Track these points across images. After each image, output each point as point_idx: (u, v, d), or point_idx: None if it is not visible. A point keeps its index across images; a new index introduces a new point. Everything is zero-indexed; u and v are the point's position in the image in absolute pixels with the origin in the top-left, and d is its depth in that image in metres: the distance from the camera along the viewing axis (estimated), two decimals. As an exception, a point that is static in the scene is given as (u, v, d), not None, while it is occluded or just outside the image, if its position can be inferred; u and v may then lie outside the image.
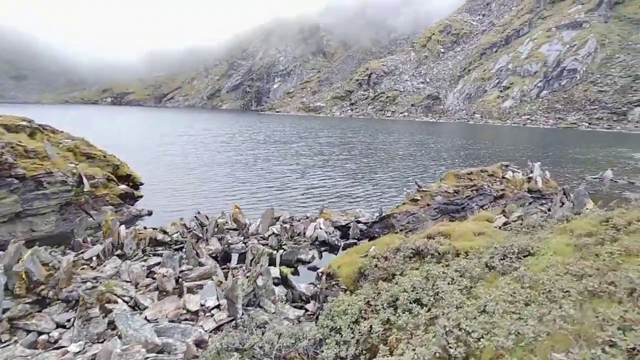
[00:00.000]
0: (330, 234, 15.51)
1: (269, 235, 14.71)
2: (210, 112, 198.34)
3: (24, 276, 8.71)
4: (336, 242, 14.94)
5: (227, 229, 14.88)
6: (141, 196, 19.66)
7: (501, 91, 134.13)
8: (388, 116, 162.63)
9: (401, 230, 15.18)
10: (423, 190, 16.71)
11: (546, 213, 18.17)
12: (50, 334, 8.19)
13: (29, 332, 8.16)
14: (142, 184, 24.24)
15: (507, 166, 19.94)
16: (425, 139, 66.95)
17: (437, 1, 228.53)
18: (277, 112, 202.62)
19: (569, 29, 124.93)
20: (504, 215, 11.84)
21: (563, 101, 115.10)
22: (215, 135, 60.54)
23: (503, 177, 19.05)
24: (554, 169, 36.22)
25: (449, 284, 6.36)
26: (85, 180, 15.68)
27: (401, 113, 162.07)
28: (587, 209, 19.86)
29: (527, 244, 7.06)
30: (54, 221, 14.41)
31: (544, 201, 20.38)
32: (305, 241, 14.96)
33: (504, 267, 6.44)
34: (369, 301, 7.08)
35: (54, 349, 7.87)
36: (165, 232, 13.69)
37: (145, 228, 13.97)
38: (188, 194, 22.37)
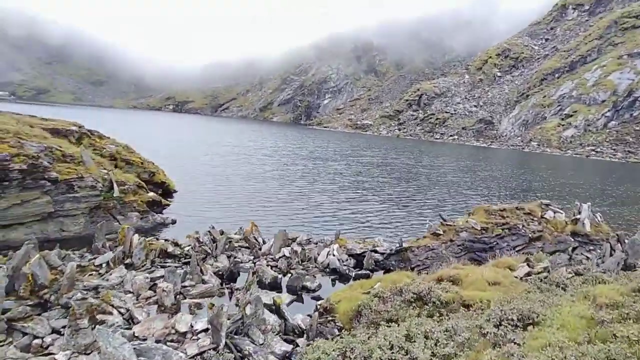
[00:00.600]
0: (343, 262, 14.94)
1: (280, 257, 14.46)
2: (260, 123, 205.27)
3: (30, 278, 9.16)
4: (347, 271, 14.33)
5: (239, 246, 14.85)
6: (168, 204, 20.34)
7: (562, 119, 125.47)
8: (437, 138, 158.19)
9: (418, 266, 14.24)
10: (447, 224, 15.65)
11: (588, 260, 16.22)
12: (44, 339, 8.44)
13: (25, 334, 8.47)
14: (175, 191, 25.27)
15: (547, 205, 18.19)
16: (473, 165, 63.47)
17: (498, 24, 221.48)
18: (325, 127, 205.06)
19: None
20: (527, 264, 10.62)
21: (635, 133, 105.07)
22: (259, 148, 61.86)
23: (542, 217, 17.36)
24: (614, 210, 32.70)
25: (429, 348, 5.62)
26: (115, 186, 16.55)
27: (451, 136, 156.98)
28: (643, 262, 17.51)
29: (531, 309, 6.11)
30: (83, 223, 15.28)
31: (591, 247, 18.27)
32: (315, 267, 14.52)
33: (497, 336, 5.59)
34: (345, 352, 6.51)
35: (43, 355, 8.07)
36: (177, 245, 13.94)
37: (157, 239, 14.32)
38: (217, 206, 22.86)
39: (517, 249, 15.94)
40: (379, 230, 20.81)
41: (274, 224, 19.79)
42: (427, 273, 12.48)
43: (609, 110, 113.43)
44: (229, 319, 8.71)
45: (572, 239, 17.08)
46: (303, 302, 12.22)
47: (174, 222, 18.71)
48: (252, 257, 14.43)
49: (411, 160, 62.45)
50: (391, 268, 14.97)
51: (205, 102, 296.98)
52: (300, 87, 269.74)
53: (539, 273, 10.24)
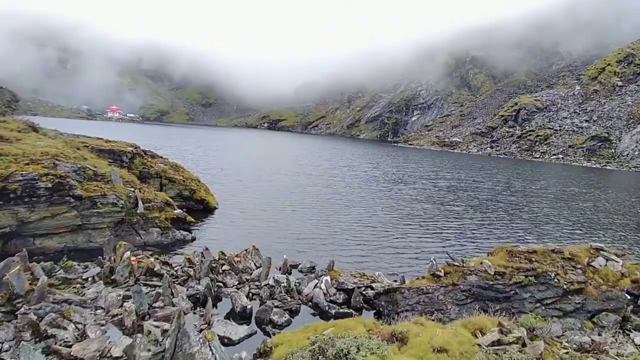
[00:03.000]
0: (330, 296, 13.98)
1: (264, 285, 14.16)
2: (346, 140, 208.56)
3: (10, 287, 10.52)
4: (328, 308, 13.33)
5: (228, 270, 14.96)
6: (193, 221, 21.61)
7: None
8: (536, 157, 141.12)
9: (406, 310, 12.55)
10: (453, 265, 13.56)
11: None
12: (3, 345, 9.51)
13: (-11, 338, 9.64)
14: (215, 208, 26.84)
15: (598, 250, 14.52)
16: (581, 192, 53.25)
17: (620, 26, 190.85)
18: (410, 144, 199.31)
19: None
20: (500, 330, 8.51)
21: None
22: (330, 168, 60.57)
23: (588, 265, 13.90)
24: None
25: None
26: (140, 203, 18.25)
27: (554, 155, 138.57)
28: None
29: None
30: (108, 235, 17.14)
31: (664, 310, 14.03)
32: (299, 300, 13.85)
33: None
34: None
35: (-6, 360, 9.08)
36: (166, 264, 14.65)
37: (147, 257, 15.20)
38: (250, 226, 23.25)
39: (545, 302, 13.02)
40: (414, 267, 18.40)
41: (304, 251, 19.47)
42: (403, 320, 10.87)
43: None
44: (149, 351, 8.72)
45: (629, 296, 13.30)
46: (262, 338, 11.69)
47: (193, 239, 19.81)
48: (236, 282, 14.41)
49: (499, 185, 54.93)
50: (380, 309, 13.51)
51: (296, 120, 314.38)
52: (389, 104, 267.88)
53: (511, 343, 8.13)
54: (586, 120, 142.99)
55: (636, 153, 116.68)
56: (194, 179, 26.47)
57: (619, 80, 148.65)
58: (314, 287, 14.18)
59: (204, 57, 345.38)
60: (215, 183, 36.26)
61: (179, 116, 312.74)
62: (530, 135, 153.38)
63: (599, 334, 12.53)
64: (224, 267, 14.94)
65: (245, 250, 17.24)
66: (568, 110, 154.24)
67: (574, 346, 8.76)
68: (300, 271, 16.68)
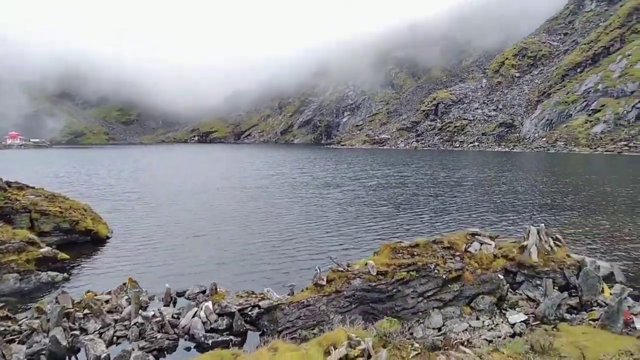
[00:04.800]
0: (211, 323, 12.71)
1: (134, 324, 12.47)
2: (278, 147, 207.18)
3: None
4: (204, 338, 12.07)
5: (88, 314, 12.99)
6: (67, 258, 18.96)
7: (590, 115, 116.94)
8: (456, 147, 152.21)
9: (287, 328, 11.74)
10: (338, 270, 13.08)
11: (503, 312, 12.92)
12: None
13: None
14: (107, 237, 24.09)
15: (473, 235, 15.07)
16: (495, 177, 57.09)
17: (515, 25, 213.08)
18: (343, 145, 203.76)
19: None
20: (349, 344, 7.97)
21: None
22: (258, 178, 57.67)
23: (466, 251, 14.31)
24: (611, 218, 28.00)
25: None
26: (-12, 247, 15.39)
27: (470, 143, 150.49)
28: (601, 299, 13.87)
29: None
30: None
31: (538, 281, 14.90)
32: (175, 334, 12.37)
33: None
34: None
35: None
36: (6, 318, 12.31)
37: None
38: (142, 256, 20.86)
39: (426, 295, 13.02)
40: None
41: (199, 274, 17.78)
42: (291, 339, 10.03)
43: (639, 102, 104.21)
44: None
45: (501, 277, 13.85)
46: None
47: (66, 279, 17.26)
48: (99, 326, 12.53)
49: (424, 177, 57.21)
50: (264, 329, 12.56)
51: (228, 131, 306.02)
52: (319, 107, 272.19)
53: (356, 357, 7.60)
54: (494, 110, 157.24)
55: (536, 135, 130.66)
56: (78, 208, 23.47)
57: (516, 72, 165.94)
58: (192, 317, 12.82)
59: (122, 72, 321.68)
60: (117, 210, 33.03)
61: (97, 137, 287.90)
62: (449, 126, 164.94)
63: (477, 318, 12.82)
64: (86, 311, 12.94)
65: (123, 284, 15.30)
66: (478, 102, 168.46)
67: (428, 344, 8.54)
68: (188, 298, 15.18)
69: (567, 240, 23.48)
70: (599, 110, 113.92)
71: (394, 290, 12.78)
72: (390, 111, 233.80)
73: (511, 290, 14.81)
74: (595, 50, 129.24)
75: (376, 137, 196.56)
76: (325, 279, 12.67)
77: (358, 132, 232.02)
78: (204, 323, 12.62)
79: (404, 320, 12.47)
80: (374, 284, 12.70)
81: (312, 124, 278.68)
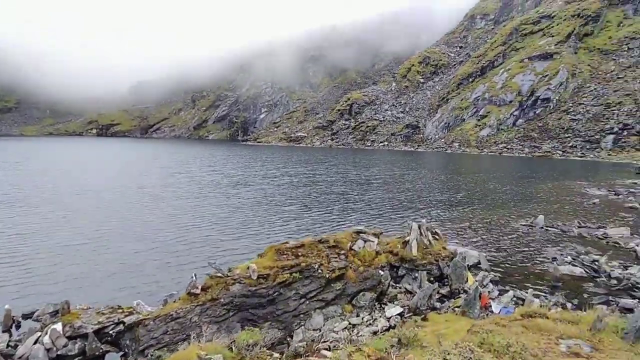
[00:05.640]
0: (58, 349, 10.78)
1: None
2: (193, 142, 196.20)
3: None
4: (46, 368, 10.18)
5: None
6: None
7: (478, 120, 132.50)
8: (368, 145, 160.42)
9: (152, 345, 10.49)
10: (217, 277, 12.15)
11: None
12: None
13: None
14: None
15: (358, 233, 15.46)
16: (402, 174, 60.90)
17: (420, 34, 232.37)
18: (259, 142, 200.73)
19: (541, 60, 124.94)
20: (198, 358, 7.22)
21: (538, 129, 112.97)
22: (163, 177, 53.56)
23: (350, 249, 14.55)
24: (489, 212, 31.89)
25: None
26: None
27: (381, 142, 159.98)
28: (467, 287, 15.29)
29: None
30: None
31: (417, 274, 15.82)
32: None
33: None
34: None
35: None
36: None
37: None
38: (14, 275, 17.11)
39: (309, 296, 12.83)
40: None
41: (56, 293, 15.02)
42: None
43: (516, 110, 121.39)
44: None
45: (382, 272, 14.39)
46: None
47: None
48: None
49: (336, 176, 58.30)
50: (126, 350, 11.09)
51: (133, 124, 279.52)
52: (235, 102, 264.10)
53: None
54: (401, 112, 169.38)
55: (436, 137, 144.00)
56: None
57: (421, 78, 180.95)
58: (34, 343, 10.75)
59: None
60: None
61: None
62: (362, 126, 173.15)
63: (357, 315, 13.04)
64: None
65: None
66: (388, 104, 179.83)
67: (290, 353, 8.22)
68: (37, 320, 12.80)
69: (450, 233, 25.83)
70: (486, 116, 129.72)
71: (276, 293, 12.31)
72: (308, 110, 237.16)
73: (394, 284, 15.49)
74: (483, 64, 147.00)
75: (293, 135, 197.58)
76: (199, 287, 11.64)
77: (275, 129, 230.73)
78: (48, 350, 10.64)
79: (285, 324, 12.09)
80: (254, 288, 12.07)
81: (228, 119, 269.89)
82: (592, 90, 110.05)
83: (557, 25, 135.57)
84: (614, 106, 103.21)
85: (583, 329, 6.69)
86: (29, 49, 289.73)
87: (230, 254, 19.77)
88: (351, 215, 30.62)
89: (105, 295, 14.68)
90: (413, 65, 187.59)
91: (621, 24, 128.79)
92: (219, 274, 12.26)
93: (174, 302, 11.83)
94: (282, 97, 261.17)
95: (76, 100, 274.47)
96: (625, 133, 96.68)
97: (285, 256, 13.26)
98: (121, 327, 11.81)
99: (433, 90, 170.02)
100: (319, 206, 34.38)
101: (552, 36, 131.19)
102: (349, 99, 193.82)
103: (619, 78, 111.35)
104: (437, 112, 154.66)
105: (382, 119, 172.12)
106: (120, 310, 12.70)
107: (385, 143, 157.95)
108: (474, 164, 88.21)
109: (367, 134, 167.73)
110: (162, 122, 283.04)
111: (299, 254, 13.44)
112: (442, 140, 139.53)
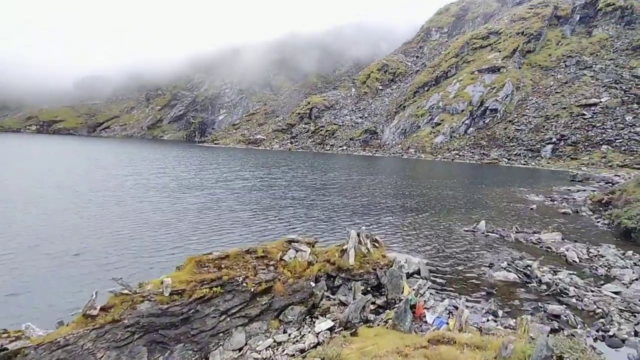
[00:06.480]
0: None
1: None
2: (146, 142, 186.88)
3: None
4: None
5: None
6: None
7: (433, 127, 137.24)
8: (327, 149, 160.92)
9: (31, 379, 8.91)
10: (122, 294, 10.72)
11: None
12: None
13: None
14: None
15: (290, 242, 14.62)
16: (360, 180, 60.67)
17: (380, 43, 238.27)
18: (217, 144, 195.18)
19: (489, 73, 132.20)
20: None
21: (487, 138, 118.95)
22: (100, 179, 49.95)
23: (281, 260, 13.65)
24: (437, 217, 32.45)
25: None
26: None
27: (340, 147, 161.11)
28: (404, 296, 14.91)
29: None
30: None
31: (354, 284, 15.20)
32: None
33: None
34: None
35: None
36: None
37: None
38: None
39: (230, 312, 11.73)
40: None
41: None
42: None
43: (467, 119, 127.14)
44: None
45: (313, 284, 13.63)
46: None
47: None
48: None
49: (293, 180, 56.78)
50: (1, 385, 9.38)
51: (79, 122, 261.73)
52: (193, 102, 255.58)
53: None
54: (360, 117, 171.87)
55: (393, 142, 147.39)
56: None
57: (379, 85, 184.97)
58: None
59: None
60: None
61: None
62: (321, 130, 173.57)
63: (284, 331, 12.14)
64: None
65: None
66: (348, 109, 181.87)
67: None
68: None
69: (397, 239, 25.73)
70: (440, 124, 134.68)
71: (191, 311, 11.09)
72: (268, 112, 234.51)
73: (329, 296, 14.76)
74: (438, 74, 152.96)
75: (252, 137, 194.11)
76: (97, 308, 10.16)
77: (234, 131, 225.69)
78: None
79: (201, 345, 10.89)
80: (165, 306, 10.78)
81: (184, 119, 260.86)
82: (533, 103, 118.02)
83: (504, 41, 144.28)
84: (552, 118, 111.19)
85: (489, 356, 6.25)
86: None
87: (158, 266, 18.11)
88: (303, 223, 29.73)
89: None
90: (372, 72, 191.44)
91: (559, 43, 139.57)
92: (125, 291, 10.84)
93: (66, 325, 10.24)
94: (242, 99, 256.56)
95: (13, 92, 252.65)
96: (562, 143, 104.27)
97: (206, 268, 12.07)
98: (8, 352, 10.06)
99: (391, 97, 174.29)
100: (270, 212, 33.14)
101: (499, 51, 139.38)
102: (309, 103, 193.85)
103: (557, 92, 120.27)
104: (394, 119, 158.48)
105: (341, 123, 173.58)
106: (6, 335, 10.87)
107: (344, 147, 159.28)
108: (428, 170, 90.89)
109: (327, 138, 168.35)
110: (112, 120, 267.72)
111: (222, 265, 12.31)
112: (399, 146, 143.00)
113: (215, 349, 10.92)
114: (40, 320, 11.91)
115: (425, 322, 13.51)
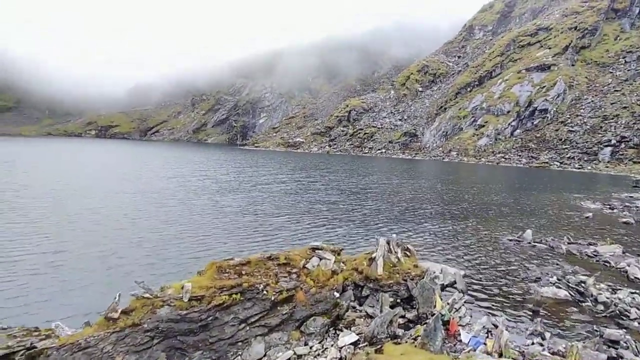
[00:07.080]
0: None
1: None
2: (192, 146, 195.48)
3: None
4: None
5: None
6: None
7: (476, 129, 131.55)
8: (365, 152, 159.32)
9: (52, 380, 9.04)
10: (144, 297, 10.71)
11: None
12: None
13: None
14: None
15: (315, 250, 14.02)
16: (401, 184, 58.59)
17: (419, 43, 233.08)
18: (257, 147, 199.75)
19: (538, 71, 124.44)
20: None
21: (536, 140, 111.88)
22: (146, 181, 52.99)
23: (304, 268, 13.12)
24: (479, 225, 30.45)
25: None
26: None
27: (378, 150, 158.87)
28: (436, 311, 13.82)
29: None
30: None
31: (381, 295, 14.34)
32: None
33: None
34: None
35: None
36: None
37: None
38: None
39: (250, 321, 11.37)
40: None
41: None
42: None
43: (513, 120, 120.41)
44: None
45: (337, 294, 12.95)
46: None
47: None
48: None
49: (331, 183, 55.89)
50: (27, 383, 9.61)
51: (132, 126, 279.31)
52: (235, 107, 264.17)
53: None
54: (399, 119, 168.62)
55: (434, 145, 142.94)
56: None
57: (419, 86, 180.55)
58: None
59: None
60: None
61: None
62: (360, 133, 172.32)
63: (305, 343, 11.58)
64: None
65: None
66: (386, 111, 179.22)
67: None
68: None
69: (435, 248, 24.38)
70: (483, 126, 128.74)
71: (210, 318, 10.86)
72: (307, 115, 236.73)
73: (355, 307, 14.04)
74: (482, 74, 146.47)
75: (291, 140, 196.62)
76: (118, 311, 10.20)
77: (274, 134, 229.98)
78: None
79: (219, 353, 10.62)
80: (184, 312, 10.62)
81: (227, 123, 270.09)
82: (589, 102, 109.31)
83: (555, 37, 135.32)
84: (612, 118, 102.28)
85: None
86: (29, 49, 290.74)
87: (187, 269, 18.26)
88: (337, 228, 28.97)
89: (25, 315, 13.22)
90: (412, 73, 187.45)
91: (618, 38, 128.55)
92: (147, 295, 10.82)
93: (90, 327, 10.37)
94: (281, 102, 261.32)
95: (75, 100, 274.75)
96: (622, 145, 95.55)
97: (226, 275, 11.82)
98: (33, 352, 10.36)
99: (431, 99, 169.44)
100: (304, 217, 32.73)
101: (550, 48, 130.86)
102: (347, 106, 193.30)
103: (616, 91, 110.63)
104: (435, 121, 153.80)
105: (380, 126, 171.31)
106: (37, 333, 11.23)
107: (383, 150, 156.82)
108: (471, 174, 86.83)
109: (365, 140, 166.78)
110: (161, 124, 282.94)
111: (243, 272, 12.01)
112: (440, 148, 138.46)
113: (234, 358, 10.61)
114: (71, 320, 12.25)
115: (460, 341, 12.37)
